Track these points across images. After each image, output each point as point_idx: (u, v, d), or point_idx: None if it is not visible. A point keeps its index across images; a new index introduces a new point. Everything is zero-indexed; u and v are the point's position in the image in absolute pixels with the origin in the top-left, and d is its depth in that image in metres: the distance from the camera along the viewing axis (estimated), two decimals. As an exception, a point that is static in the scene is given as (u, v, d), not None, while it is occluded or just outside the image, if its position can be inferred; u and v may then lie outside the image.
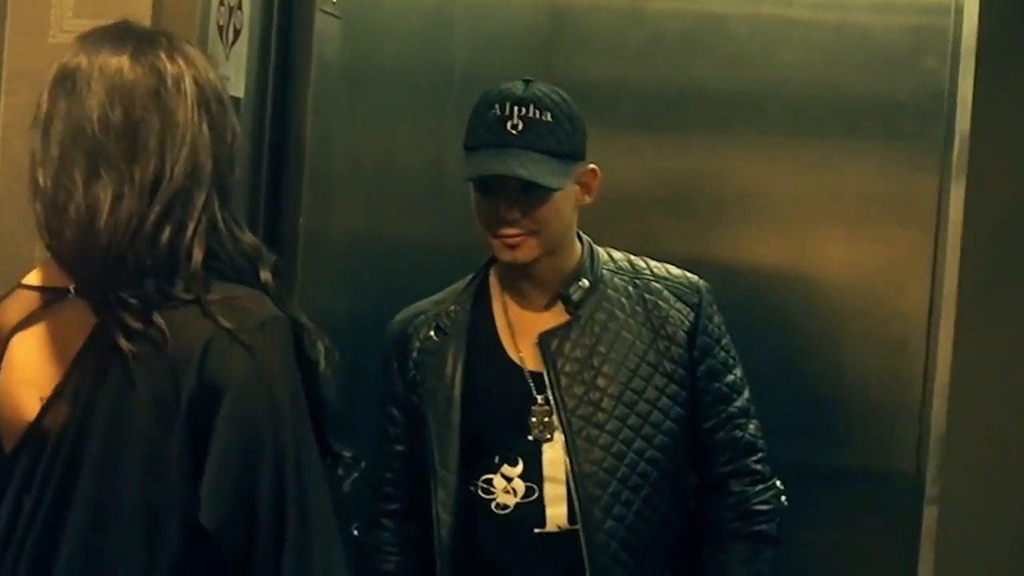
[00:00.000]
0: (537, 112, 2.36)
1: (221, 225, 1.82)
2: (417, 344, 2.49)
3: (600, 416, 2.40)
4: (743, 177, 2.91)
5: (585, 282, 2.45)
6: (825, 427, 2.90)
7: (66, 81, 1.81)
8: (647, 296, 2.47)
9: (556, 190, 2.35)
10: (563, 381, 2.41)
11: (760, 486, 2.48)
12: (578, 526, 2.39)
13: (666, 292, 2.48)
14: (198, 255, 1.78)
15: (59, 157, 1.78)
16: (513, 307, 2.48)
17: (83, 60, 1.82)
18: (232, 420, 1.74)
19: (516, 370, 2.45)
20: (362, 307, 2.53)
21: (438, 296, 2.53)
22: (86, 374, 1.78)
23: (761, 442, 2.50)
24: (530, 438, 2.42)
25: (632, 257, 2.53)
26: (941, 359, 2.81)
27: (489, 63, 2.87)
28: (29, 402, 1.82)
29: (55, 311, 1.83)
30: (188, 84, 1.81)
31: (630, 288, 2.47)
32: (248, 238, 1.86)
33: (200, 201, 1.80)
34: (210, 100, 1.83)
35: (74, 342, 1.80)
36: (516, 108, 2.35)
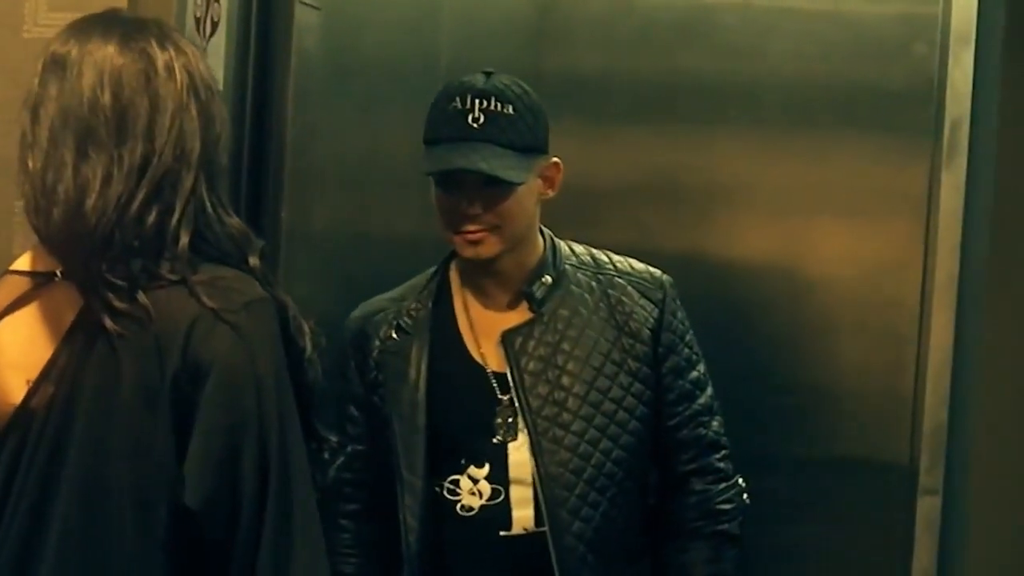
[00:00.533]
0: (499, 105, 2.31)
1: (209, 208, 1.83)
2: (377, 344, 2.44)
3: (565, 416, 2.36)
4: (735, 168, 2.89)
5: (548, 278, 2.40)
6: (817, 418, 2.88)
7: (56, 66, 1.83)
8: (610, 292, 2.43)
9: (519, 184, 2.31)
10: (527, 381, 2.37)
11: (723, 484, 2.45)
12: (545, 528, 2.35)
13: (630, 288, 2.44)
14: (184, 237, 1.80)
15: (48, 139, 1.80)
16: (475, 305, 2.44)
17: (73, 46, 1.84)
18: (216, 399, 1.75)
19: (479, 370, 2.40)
20: (345, 302, 2.51)
21: (396, 292, 2.48)
22: (72, 355, 1.79)
23: (724, 439, 2.47)
24: (495, 440, 2.38)
25: (594, 251, 2.49)
26: (934, 348, 2.79)
27: (476, 54, 2.83)
28: (16, 385, 1.82)
29: (43, 295, 1.85)
30: (178, 70, 1.83)
31: (593, 284, 2.43)
32: (235, 222, 1.87)
33: (188, 184, 1.81)
34: (199, 87, 1.85)
35: (61, 325, 1.82)
36: (477, 101, 2.31)
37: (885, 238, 2.85)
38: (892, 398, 2.84)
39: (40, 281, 1.85)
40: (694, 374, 2.46)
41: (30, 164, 1.82)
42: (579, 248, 2.48)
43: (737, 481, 2.46)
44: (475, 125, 2.30)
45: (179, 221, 1.80)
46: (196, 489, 1.75)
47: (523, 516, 2.36)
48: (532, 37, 2.92)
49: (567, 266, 2.43)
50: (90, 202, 1.77)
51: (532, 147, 2.34)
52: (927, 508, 2.80)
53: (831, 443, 2.87)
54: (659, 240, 2.86)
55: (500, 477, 2.37)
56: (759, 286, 2.89)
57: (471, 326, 2.43)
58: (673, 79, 2.90)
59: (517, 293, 2.42)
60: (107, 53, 1.82)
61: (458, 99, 2.32)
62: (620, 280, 2.44)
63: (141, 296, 1.77)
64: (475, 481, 2.38)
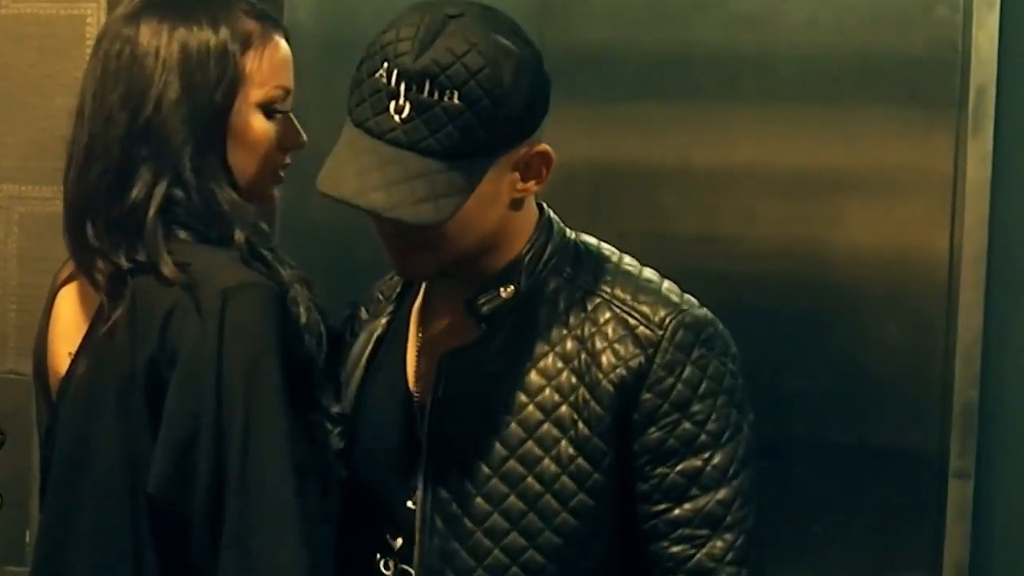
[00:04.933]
0: (438, 92, 1.62)
1: (193, 183, 1.80)
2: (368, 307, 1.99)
3: (479, 478, 1.76)
4: (750, 145, 2.80)
5: (509, 289, 1.77)
6: (842, 402, 2.79)
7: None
8: (587, 324, 1.77)
9: (440, 221, 1.66)
10: (445, 427, 1.77)
11: None
12: None
13: (614, 322, 1.76)
14: (154, 220, 1.79)
15: (73, 128, 1.87)
16: (436, 305, 1.87)
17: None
18: (178, 390, 1.73)
19: (406, 401, 1.83)
20: (339, 284, 2.42)
21: None
22: (93, 334, 1.83)
23: (735, 570, 1.76)
24: (410, 504, 1.80)
25: (613, 262, 1.84)
26: (963, 326, 2.69)
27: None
28: (62, 356, 1.88)
29: None
30: (163, 44, 1.81)
31: (574, 308, 1.78)
32: (227, 195, 1.82)
33: (171, 163, 1.80)
34: (190, 61, 1.82)
35: (99, 301, 1.84)
36: (405, 84, 1.63)
37: (909, 214, 2.76)
38: (920, 379, 2.75)
39: None
40: (694, 464, 1.74)
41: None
42: (595, 253, 1.85)
43: None
44: (397, 118, 1.63)
45: (160, 201, 1.79)
46: (155, 476, 1.73)
47: None
48: (534, 9, 2.83)
49: (552, 276, 1.79)
50: (76, 183, 1.83)
51: (488, 146, 1.67)
52: (958, 492, 2.71)
53: (857, 427, 2.78)
54: (672, 223, 2.78)
55: (409, 557, 1.81)
56: (778, 268, 2.80)
57: (422, 332, 1.86)
58: (685, 52, 2.81)
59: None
60: (111, 21, 1.87)
61: (384, 72, 1.65)
62: (609, 309, 1.77)
63: (129, 283, 1.78)
64: (390, 557, 1.84)
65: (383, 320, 1.91)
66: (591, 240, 1.88)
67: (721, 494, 1.74)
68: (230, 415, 1.71)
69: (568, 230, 1.86)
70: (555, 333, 1.76)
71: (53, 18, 2.68)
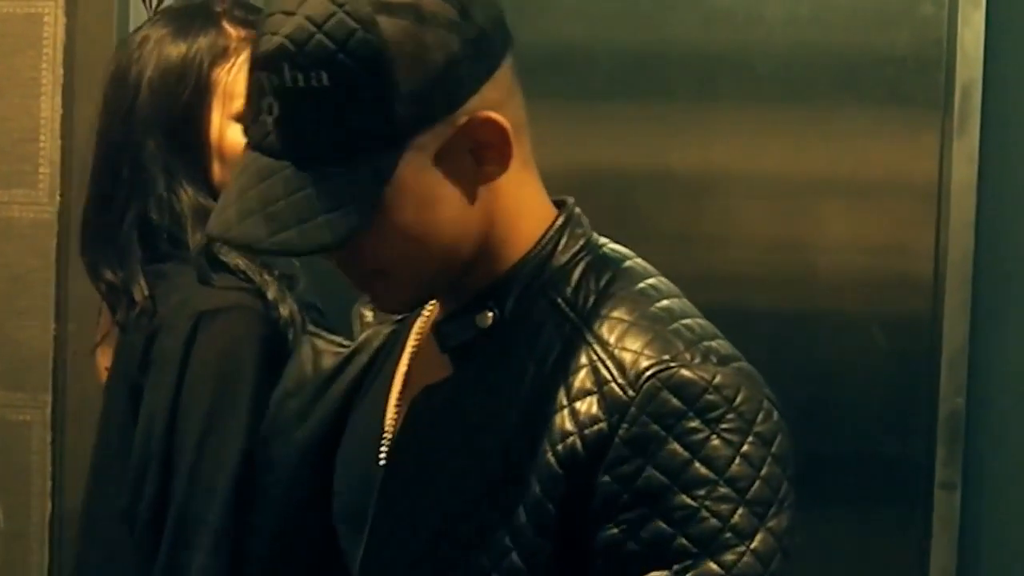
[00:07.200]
0: (300, 77, 1.24)
1: (165, 196, 1.83)
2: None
3: (411, 551, 1.36)
4: (730, 145, 2.75)
5: (487, 317, 1.35)
6: (824, 409, 2.74)
7: None
8: (559, 373, 1.32)
9: (337, 243, 1.27)
10: (392, 494, 1.38)
11: None
12: None
13: (586, 372, 1.30)
14: (127, 236, 1.85)
15: None
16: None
17: None
18: (141, 418, 1.77)
19: (376, 441, 1.43)
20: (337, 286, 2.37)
21: None
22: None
23: None
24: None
25: (630, 283, 1.38)
26: (948, 331, 2.65)
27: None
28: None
29: None
30: (145, 58, 1.84)
31: (555, 347, 1.33)
32: (192, 202, 1.83)
33: (145, 177, 1.83)
34: (163, 75, 1.85)
35: None
36: (267, 74, 1.26)
37: (894, 215, 2.72)
38: (905, 386, 2.71)
39: None
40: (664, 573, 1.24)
41: None
42: (610, 270, 1.38)
43: None
44: (269, 120, 1.26)
45: (131, 212, 1.85)
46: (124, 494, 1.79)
47: None
48: (510, 5, 2.76)
49: (543, 299, 1.36)
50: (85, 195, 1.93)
51: (389, 132, 1.26)
52: (944, 503, 2.67)
53: (840, 435, 2.74)
54: (649, 225, 2.73)
55: None
56: (757, 272, 2.76)
57: (416, 352, 1.47)
58: (662, 50, 2.76)
59: None
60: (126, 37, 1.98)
61: (254, 68, 1.29)
62: (586, 354, 1.32)
63: (120, 311, 1.86)
64: None
65: (386, 330, 1.52)
66: (618, 252, 1.43)
67: None
68: (174, 454, 1.73)
69: (596, 236, 1.43)
70: (524, 382, 1.32)
71: (9, 16, 2.63)
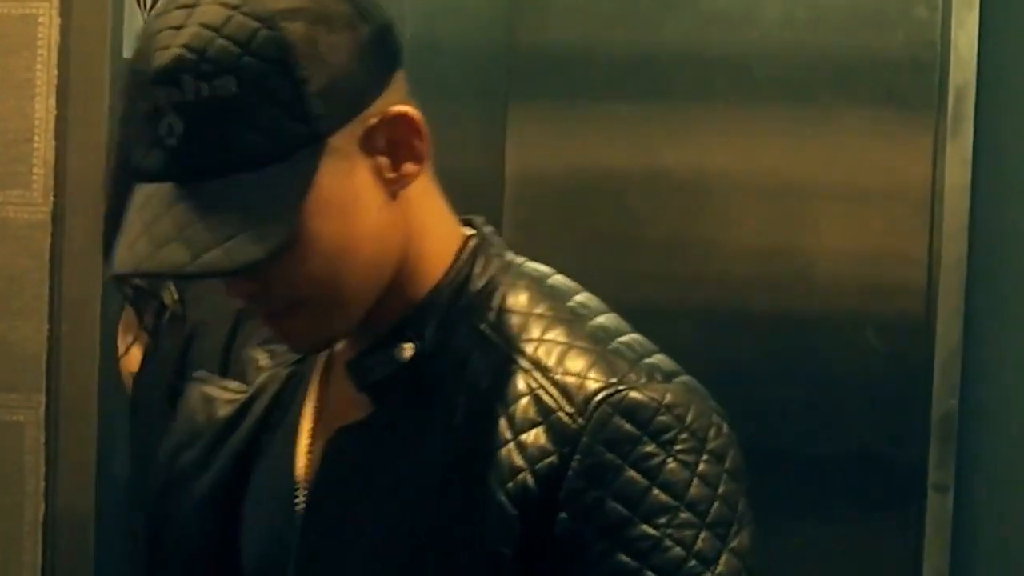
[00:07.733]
0: (205, 87, 1.16)
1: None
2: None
3: None
4: (725, 147, 2.75)
5: (406, 349, 1.26)
6: (817, 411, 2.74)
7: None
8: (498, 405, 1.23)
9: (272, 253, 1.17)
10: (314, 543, 1.29)
11: None
12: None
13: (528, 401, 1.22)
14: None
15: None
16: (340, 364, 1.34)
17: None
18: None
19: (288, 485, 1.34)
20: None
21: None
22: None
23: None
24: None
25: (559, 303, 1.30)
26: (942, 334, 2.65)
27: (445, 24, 2.66)
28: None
29: None
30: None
31: (488, 376, 1.25)
32: None
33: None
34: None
35: None
36: (165, 92, 1.17)
37: (887, 218, 2.71)
38: (899, 389, 2.70)
39: None
40: None
41: None
42: (534, 290, 1.30)
43: None
44: (172, 141, 1.17)
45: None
46: None
47: None
48: (505, 7, 2.75)
49: (466, 326, 1.27)
50: None
51: (305, 133, 1.19)
52: (937, 505, 2.67)
53: (833, 437, 2.73)
54: (644, 227, 2.71)
55: None
56: (751, 274, 2.75)
57: (324, 391, 1.37)
58: (656, 51, 2.76)
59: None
60: None
61: (143, 88, 1.19)
62: (525, 381, 1.23)
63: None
64: None
65: (283, 373, 1.41)
66: (538, 271, 1.34)
67: None
68: None
69: (511, 255, 1.35)
70: (455, 417, 1.24)
71: (3, 17, 2.63)
